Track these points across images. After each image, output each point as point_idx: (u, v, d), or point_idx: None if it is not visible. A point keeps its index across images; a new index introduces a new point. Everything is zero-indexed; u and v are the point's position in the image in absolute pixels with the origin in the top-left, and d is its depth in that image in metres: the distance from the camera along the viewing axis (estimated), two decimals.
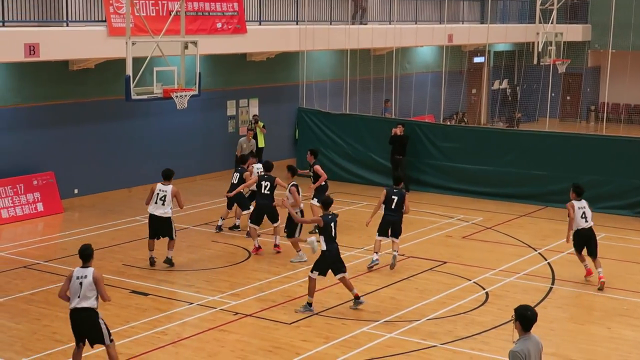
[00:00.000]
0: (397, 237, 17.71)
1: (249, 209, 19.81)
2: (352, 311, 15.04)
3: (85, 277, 11.60)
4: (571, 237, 16.67)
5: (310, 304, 14.92)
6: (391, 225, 17.60)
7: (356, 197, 24.94)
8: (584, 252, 16.77)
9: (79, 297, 11.55)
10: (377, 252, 17.77)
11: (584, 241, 16.65)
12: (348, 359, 12.94)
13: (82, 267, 11.72)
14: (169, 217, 17.36)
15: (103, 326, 11.70)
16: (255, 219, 18.65)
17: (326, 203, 15.34)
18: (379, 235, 17.70)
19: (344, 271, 15.05)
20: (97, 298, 11.62)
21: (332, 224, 14.97)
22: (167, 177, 17.63)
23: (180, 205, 17.66)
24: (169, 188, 17.39)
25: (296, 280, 16.83)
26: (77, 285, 11.58)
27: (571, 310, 15.42)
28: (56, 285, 16.21)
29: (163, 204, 17.27)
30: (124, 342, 13.47)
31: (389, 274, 17.33)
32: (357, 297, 15.14)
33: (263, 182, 18.62)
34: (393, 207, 17.55)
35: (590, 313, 15.16)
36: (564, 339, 13.98)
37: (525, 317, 8.89)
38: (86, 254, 11.79)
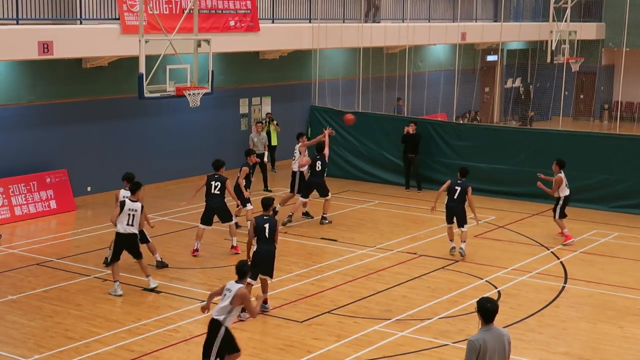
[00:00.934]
0: (462, 227, 18.50)
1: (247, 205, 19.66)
2: (363, 309, 15.04)
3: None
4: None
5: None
6: (455, 215, 18.53)
7: (369, 195, 24.94)
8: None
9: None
10: (451, 240, 18.70)
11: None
12: (359, 358, 12.94)
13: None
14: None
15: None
16: (205, 219, 18.31)
17: (264, 204, 14.71)
18: (447, 223, 18.74)
19: (269, 275, 14.68)
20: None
21: (266, 225, 14.49)
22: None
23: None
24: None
25: (308, 278, 16.84)
26: None
27: (584, 310, 15.37)
28: (69, 283, 16.32)
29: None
30: (136, 339, 13.51)
31: (400, 272, 17.32)
32: (265, 302, 14.80)
33: (213, 182, 18.21)
34: (455, 197, 18.46)
35: (603, 312, 15.11)
36: (576, 338, 13.94)
37: (484, 309, 9.06)
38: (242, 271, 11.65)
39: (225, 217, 18.51)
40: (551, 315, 15.04)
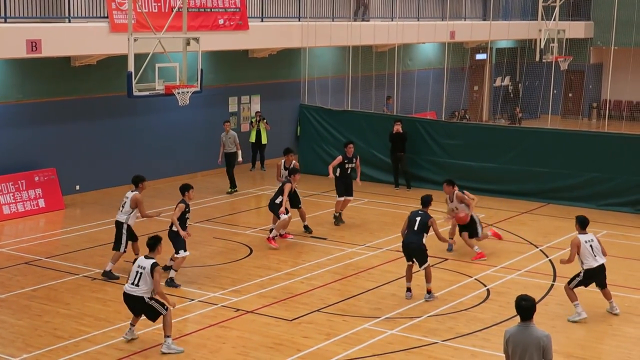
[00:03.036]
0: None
1: None
2: (353, 308, 15.05)
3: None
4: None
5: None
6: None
7: (358, 193, 24.85)
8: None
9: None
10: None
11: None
12: (349, 356, 12.95)
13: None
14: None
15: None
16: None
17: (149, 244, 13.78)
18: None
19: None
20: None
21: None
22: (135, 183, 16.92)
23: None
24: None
25: (298, 277, 16.84)
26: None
27: (572, 308, 15.38)
28: (57, 282, 16.28)
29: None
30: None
31: (389, 270, 17.33)
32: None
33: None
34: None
35: (592, 310, 15.13)
36: (565, 336, 13.97)
37: (518, 307, 9.31)
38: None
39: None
40: (540, 314, 14.97)
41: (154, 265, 12.85)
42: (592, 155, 23.46)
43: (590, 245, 14.49)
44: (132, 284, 12.98)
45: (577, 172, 23.53)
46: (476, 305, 15.29)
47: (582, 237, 14.54)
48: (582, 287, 14.77)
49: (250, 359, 12.79)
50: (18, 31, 19.71)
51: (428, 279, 15.57)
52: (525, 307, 9.18)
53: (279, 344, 13.39)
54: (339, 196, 21.28)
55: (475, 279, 16.88)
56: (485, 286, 16.41)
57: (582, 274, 14.54)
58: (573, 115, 42.55)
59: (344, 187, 21.26)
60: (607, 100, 37.16)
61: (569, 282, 14.68)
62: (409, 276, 15.77)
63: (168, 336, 12.92)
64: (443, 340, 13.59)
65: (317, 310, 14.90)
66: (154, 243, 13.29)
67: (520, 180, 24.34)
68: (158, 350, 13.02)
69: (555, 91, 37.90)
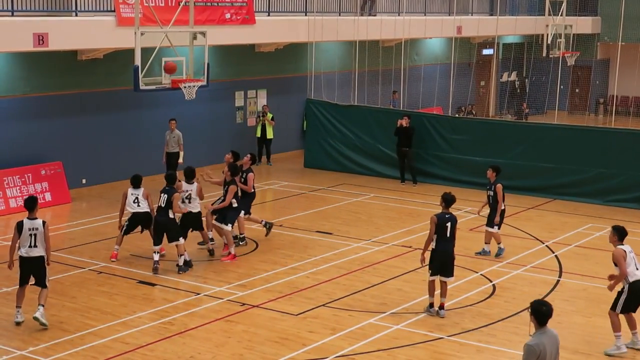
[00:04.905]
0: (491, 226, 18.00)
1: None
2: (359, 303, 15.05)
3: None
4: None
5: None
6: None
7: (363, 188, 24.94)
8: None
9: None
10: (487, 243, 18.25)
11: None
12: (354, 351, 12.95)
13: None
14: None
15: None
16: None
17: None
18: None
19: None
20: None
21: None
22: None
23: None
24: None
25: (303, 271, 16.84)
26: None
27: (578, 303, 15.39)
28: (63, 275, 16.30)
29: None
30: (131, 332, 13.50)
31: (395, 265, 17.33)
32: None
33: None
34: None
35: (598, 306, 15.12)
36: (571, 332, 13.95)
37: (539, 312, 9.03)
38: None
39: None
40: None
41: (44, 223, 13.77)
42: (598, 151, 23.42)
43: (632, 257, 13.03)
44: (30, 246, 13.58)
45: (584, 167, 23.50)
46: (482, 301, 15.28)
47: (624, 248, 13.05)
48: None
49: (256, 353, 12.79)
50: (25, 25, 19.73)
51: (446, 293, 14.56)
52: (546, 312, 8.97)
53: (285, 338, 13.40)
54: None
55: (481, 274, 16.87)
56: (491, 282, 16.39)
57: (626, 290, 12.91)
58: (580, 111, 42.49)
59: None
60: (614, 96, 37.07)
61: (613, 307, 12.99)
62: (433, 290, 14.45)
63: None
64: (449, 336, 13.58)
65: (323, 305, 14.90)
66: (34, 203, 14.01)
67: (526, 175, 24.30)
68: (163, 343, 13.04)
69: (562, 87, 37.86)
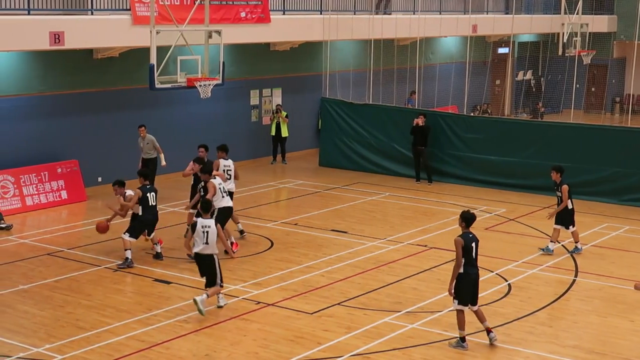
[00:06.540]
0: (566, 227, 18.04)
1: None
2: (374, 302, 15.04)
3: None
4: None
5: None
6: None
7: (378, 187, 24.92)
8: None
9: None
10: (552, 242, 18.28)
11: None
12: (370, 350, 12.94)
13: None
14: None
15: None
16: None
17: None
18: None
19: None
20: None
21: None
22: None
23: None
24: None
25: (318, 270, 16.85)
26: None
27: (594, 303, 15.34)
28: (79, 273, 16.37)
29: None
30: (147, 329, 13.55)
31: (410, 264, 17.31)
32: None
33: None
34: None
35: (614, 306, 15.07)
36: (586, 332, 13.91)
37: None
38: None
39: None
40: (561, 309, 15.03)
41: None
42: (614, 150, 23.32)
43: None
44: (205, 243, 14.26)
45: (600, 167, 23.40)
46: (497, 300, 15.25)
47: None
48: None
49: (271, 352, 12.81)
50: (41, 23, 19.81)
51: (484, 315, 13.42)
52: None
53: (300, 336, 13.41)
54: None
55: (497, 273, 16.84)
56: (507, 281, 16.36)
57: None
58: (596, 110, 42.32)
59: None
60: (630, 94, 36.94)
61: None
62: (464, 321, 13.16)
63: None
64: (464, 335, 13.54)
65: (338, 304, 14.91)
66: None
67: (541, 174, 24.09)
68: (178, 341, 13.07)
69: (577, 85, 37.74)
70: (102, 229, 17.33)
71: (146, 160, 22.37)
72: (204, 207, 14.62)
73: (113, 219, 17.51)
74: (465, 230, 13.15)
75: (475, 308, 13.14)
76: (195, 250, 14.40)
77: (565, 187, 17.87)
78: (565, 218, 18.05)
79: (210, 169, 17.43)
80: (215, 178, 17.30)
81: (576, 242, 18.28)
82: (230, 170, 18.62)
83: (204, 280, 14.49)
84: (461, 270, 12.98)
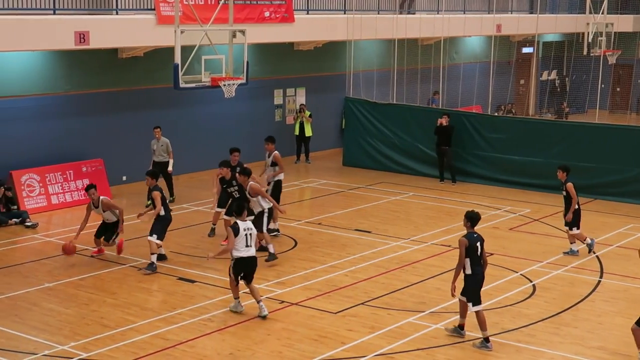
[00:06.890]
0: (570, 228, 17.86)
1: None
2: (397, 302, 15.02)
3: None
4: None
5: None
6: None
7: (402, 187, 24.88)
8: None
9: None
10: (574, 243, 18.15)
11: None
12: (393, 350, 12.93)
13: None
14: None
15: None
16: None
17: None
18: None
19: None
20: None
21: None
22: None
23: None
24: None
25: (342, 269, 16.84)
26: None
27: (619, 304, 15.24)
28: (104, 271, 16.46)
29: None
30: (171, 328, 13.59)
31: (434, 264, 17.27)
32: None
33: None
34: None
35: (639, 307, 14.96)
36: (611, 333, 13.83)
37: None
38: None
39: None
40: (586, 310, 14.94)
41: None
42: (639, 150, 23.19)
43: None
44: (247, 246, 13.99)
45: (625, 167, 23.25)
46: (522, 301, 15.19)
47: None
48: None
49: (295, 351, 12.82)
50: (67, 23, 19.91)
51: (485, 324, 13.17)
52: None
53: (323, 336, 13.41)
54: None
55: (521, 274, 16.77)
56: (531, 282, 16.28)
57: None
58: (621, 110, 42.03)
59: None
60: None
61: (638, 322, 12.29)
62: (485, 321, 13.11)
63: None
64: (488, 336, 13.49)
65: (362, 304, 14.90)
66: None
67: None
68: (202, 339, 13.11)
69: (603, 85, 37.46)
70: (69, 250, 16.89)
71: (157, 163, 22.13)
72: (237, 209, 14.23)
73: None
74: (470, 230, 13.10)
75: (480, 308, 13.07)
76: (239, 254, 13.90)
77: (570, 185, 17.75)
78: (573, 218, 17.87)
79: (249, 171, 17.38)
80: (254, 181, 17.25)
81: (572, 244, 18.09)
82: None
83: (226, 279, 14.47)
84: (469, 272, 12.98)
